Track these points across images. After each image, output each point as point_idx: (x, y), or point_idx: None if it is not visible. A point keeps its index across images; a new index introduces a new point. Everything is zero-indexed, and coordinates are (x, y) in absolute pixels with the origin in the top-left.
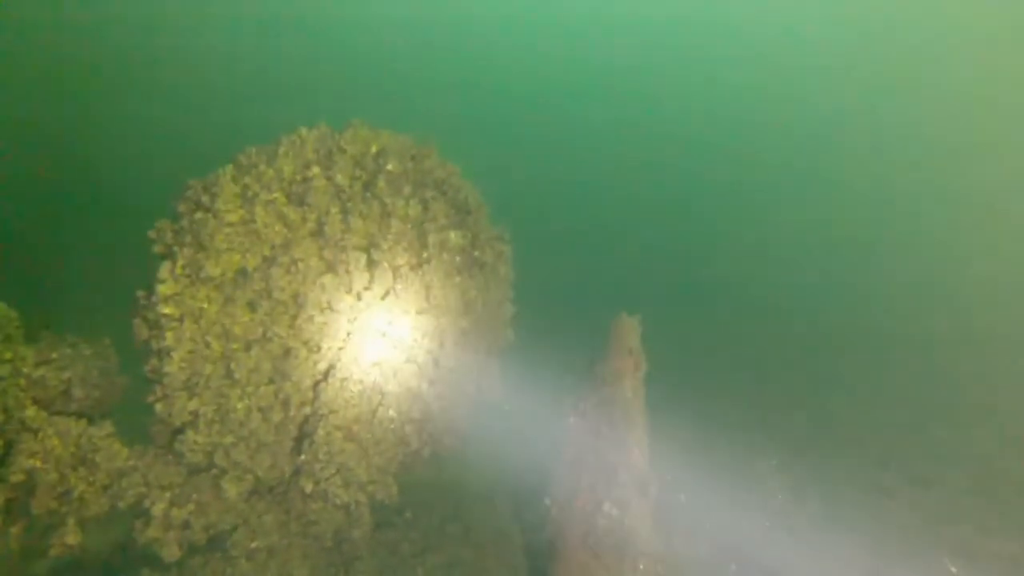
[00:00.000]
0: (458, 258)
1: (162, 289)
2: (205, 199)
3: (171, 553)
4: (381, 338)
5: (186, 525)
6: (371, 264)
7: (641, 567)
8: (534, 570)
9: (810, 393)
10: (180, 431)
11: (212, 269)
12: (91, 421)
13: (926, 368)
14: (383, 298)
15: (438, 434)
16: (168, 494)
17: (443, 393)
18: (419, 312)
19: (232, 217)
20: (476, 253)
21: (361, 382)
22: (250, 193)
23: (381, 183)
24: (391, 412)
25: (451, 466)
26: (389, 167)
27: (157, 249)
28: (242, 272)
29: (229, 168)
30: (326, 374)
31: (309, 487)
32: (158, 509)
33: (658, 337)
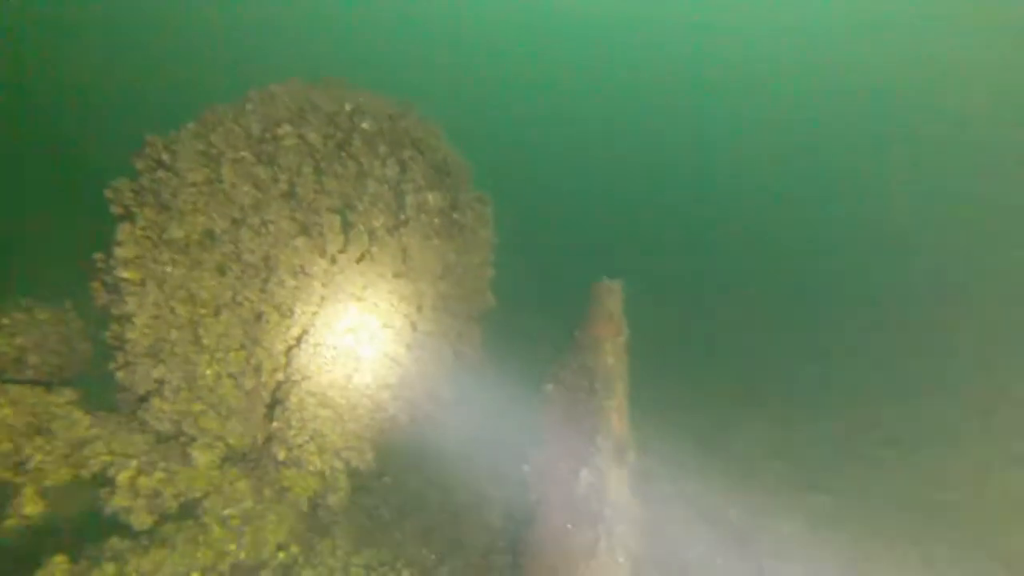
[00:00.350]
0: (437, 220)
1: (121, 252)
2: (166, 157)
3: (141, 521)
4: (356, 302)
5: (156, 493)
6: (346, 226)
7: (617, 533)
8: (512, 535)
9: (791, 360)
10: (145, 399)
11: (176, 231)
12: (49, 389)
13: (906, 334)
14: (358, 261)
15: (416, 399)
16: (135, 462)
17: (421, 358)
18: (396, 276)
19: (196, 176)
20: (456, 215)
21: (335, 347)
22: (215, 151)
23: (356, 142)
24: (367, 378)
25: (430, 431)
26: (364, 125)
27: (115, 210)
28: (209, 234)
29: (192, 125)
30: (299, 339)
31: (282, 454)
32: (124, 477)
33: (641, 304)
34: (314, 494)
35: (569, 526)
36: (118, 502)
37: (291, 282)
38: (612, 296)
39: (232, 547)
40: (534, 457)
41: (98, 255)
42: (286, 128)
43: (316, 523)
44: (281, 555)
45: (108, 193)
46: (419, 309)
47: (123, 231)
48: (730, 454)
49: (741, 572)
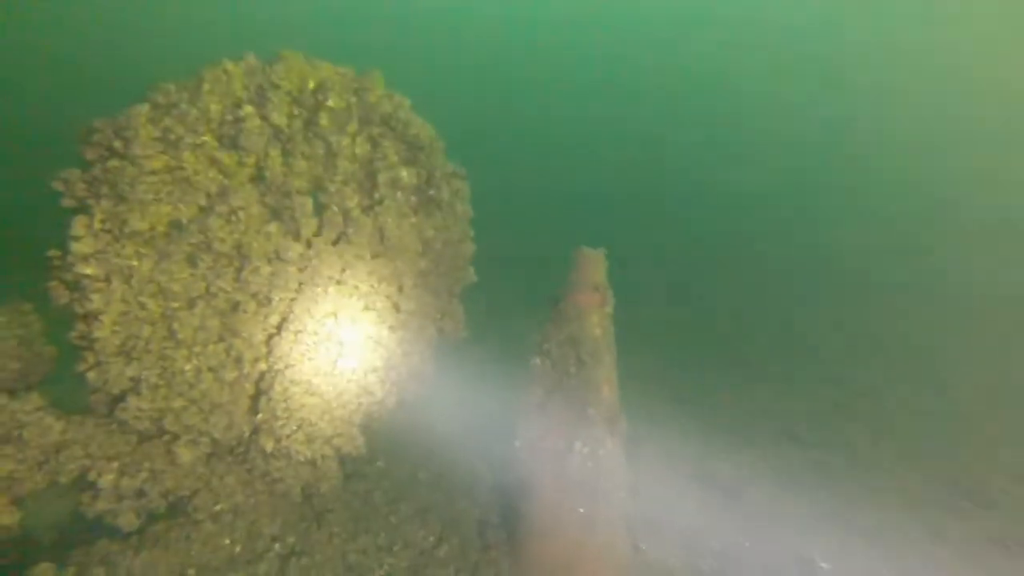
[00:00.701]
0: (412, 197)
1: (78, 247)
2: (117, 144)
3: (128, 522)
4: (335, 286)
5: (141, 493)
6: (319, 208)
7: (613, 502)
8: (506, 510)
9: (771, 320)
10: (121, 398)
11: (138, 223)
12: (13, 395)
13: (879, 296)
14: (334, 244)
15: (402, 381)
16: (116, 464)
17: (405, 338)
18: (374, 256)
19: (154, 164)
20: (431, 191)
21: (317, 333)
22: (173, 136)
23: (323, 121)
24: (352, 362)
25: (419, 412)
26: (330, 103)
27: (66, 203)
28: (176, 225)
29: (144, 108)
30: (279, 327)
31: (270, 445)
32: (106, 480)
33: (626, 272)
34: (306, 483)
35: (564, 496)
36: (102, 505)
37: (266, 269)
38: (595, 265)
39: (226, 541)
40: (524, 432)
41: (54, 252)
42: (248, 109)
43: (310, 512)
44: (277, 546)
45: (58, 185)
46: (400, 289)
47: (79, 225)
48: (717, 415)
49: (732, 528)
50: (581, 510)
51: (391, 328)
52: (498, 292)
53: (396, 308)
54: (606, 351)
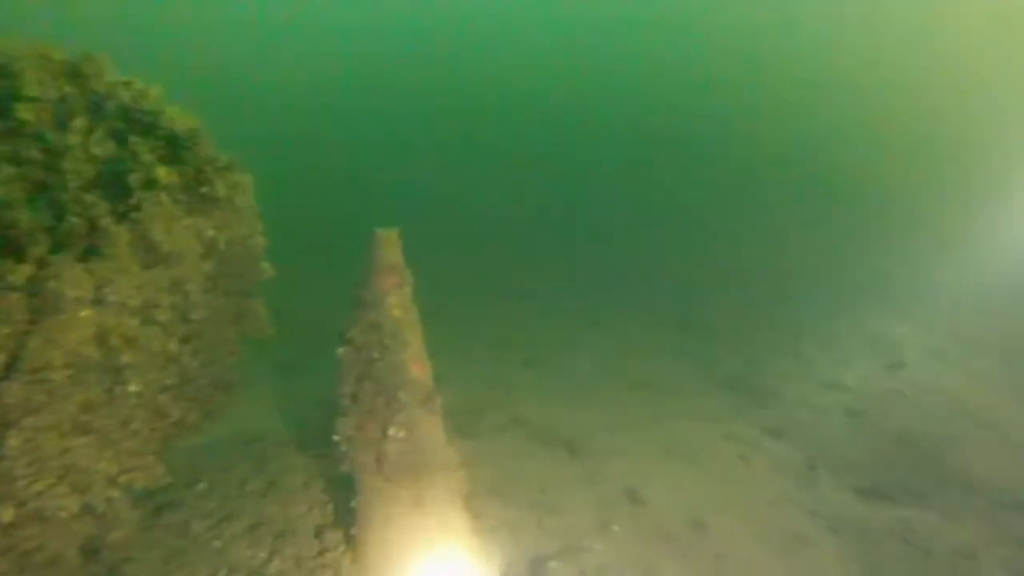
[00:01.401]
0: (181, 197)
1: None
2: None
3: None
4: (94, 306)
5: None
6: (54, 223)
7: (439, 480)
8: (342, 507)
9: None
10: None
11: None
12: None
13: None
14: (83, 259)
15: (205, 393)
16: None
17: (201, 348)
18: (145, 267)
19: None
20: (204, 189)
21: (72, 365)
22: None
23: (23, 114)
24: (136, 386)
25: (238, 421)
26: (30, 92)
27: None
28: None
29: None
30: (8, 368)
31: (9, 515)
32: None
33: (428, 248)
34: (86, 539)
35: (387, 484)
36: None
37: None
38: (390, 246)
39: None
40: (340, 426)
41: None
42: None
43: (100, 568)
44: None
45: None
46: (186, 296)
47: None
48: (561, 372)
49: (571, 478)
50: (406, 493)
51: (182, 340)
52: (302, 284)
53: (184, 318)
54: (411, 331)
